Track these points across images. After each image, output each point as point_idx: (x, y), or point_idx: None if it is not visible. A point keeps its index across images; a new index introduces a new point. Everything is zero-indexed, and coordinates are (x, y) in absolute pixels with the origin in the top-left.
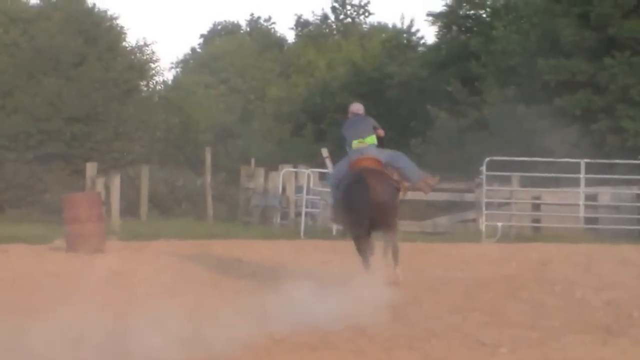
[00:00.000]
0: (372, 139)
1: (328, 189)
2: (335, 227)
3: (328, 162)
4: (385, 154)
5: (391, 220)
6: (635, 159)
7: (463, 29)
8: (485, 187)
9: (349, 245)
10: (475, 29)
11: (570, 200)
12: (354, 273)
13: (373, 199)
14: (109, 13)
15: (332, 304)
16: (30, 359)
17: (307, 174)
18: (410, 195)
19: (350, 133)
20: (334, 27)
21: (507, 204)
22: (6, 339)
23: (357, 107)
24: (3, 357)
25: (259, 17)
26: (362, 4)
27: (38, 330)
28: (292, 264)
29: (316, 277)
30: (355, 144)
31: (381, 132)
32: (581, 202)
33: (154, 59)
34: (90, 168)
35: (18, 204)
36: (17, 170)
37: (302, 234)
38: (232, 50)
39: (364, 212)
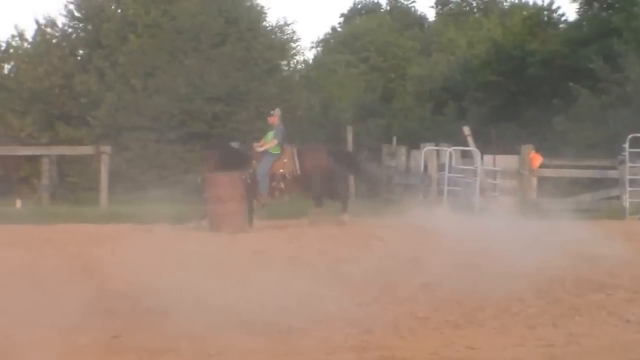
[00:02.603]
0: None
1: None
2: (477, 206)
3: (470, 139)
4: None
5: None
6: None
7: (604, 5)
8: (628, 164)
9: (489, 222)
10: (616, 5)
11: None
12: (494, 249)
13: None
14: None
15: (475, 281)
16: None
17: (449, 152)
18: (552, 173)
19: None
20: (475, 4)
21: None
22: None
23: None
24: None
25: None
26: None
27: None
28: (432, 242)
29: (456, 254)
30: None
31: None
32: None
33: (295, 38)
34: None
35: (160, 183)
36: (160, 151)
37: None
38: (373, 29)
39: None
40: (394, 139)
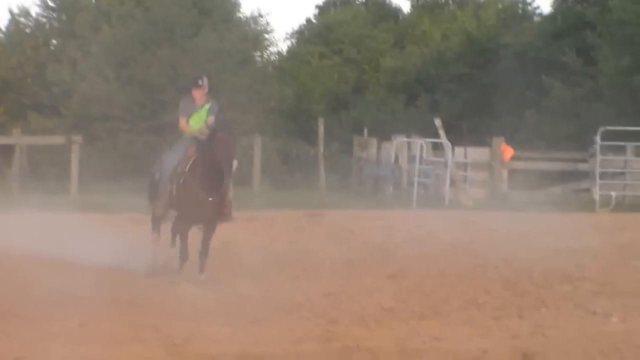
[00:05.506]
0: None
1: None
2: (447, 198)
3: (441, 132)
4: None
5: None
6: None
7: None
8: (599, 157)
9: (464, 213)
10: None
11: None
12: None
13: None
14: None
15: (442, 273)
16: None
17: (420, 144)
18: (523, 166)
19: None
20: None
21: (622, 173)
22: None
23: None
24: None
25: None
26: None
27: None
28: (401, 234)
29: (424, 245)
30: None
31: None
32: None
33: (269, 29)
34: None
35: (133, 175)
36: (131, 141)
37: (414, 203)
38: (347, 21)
39: None
40: (366, 130)
